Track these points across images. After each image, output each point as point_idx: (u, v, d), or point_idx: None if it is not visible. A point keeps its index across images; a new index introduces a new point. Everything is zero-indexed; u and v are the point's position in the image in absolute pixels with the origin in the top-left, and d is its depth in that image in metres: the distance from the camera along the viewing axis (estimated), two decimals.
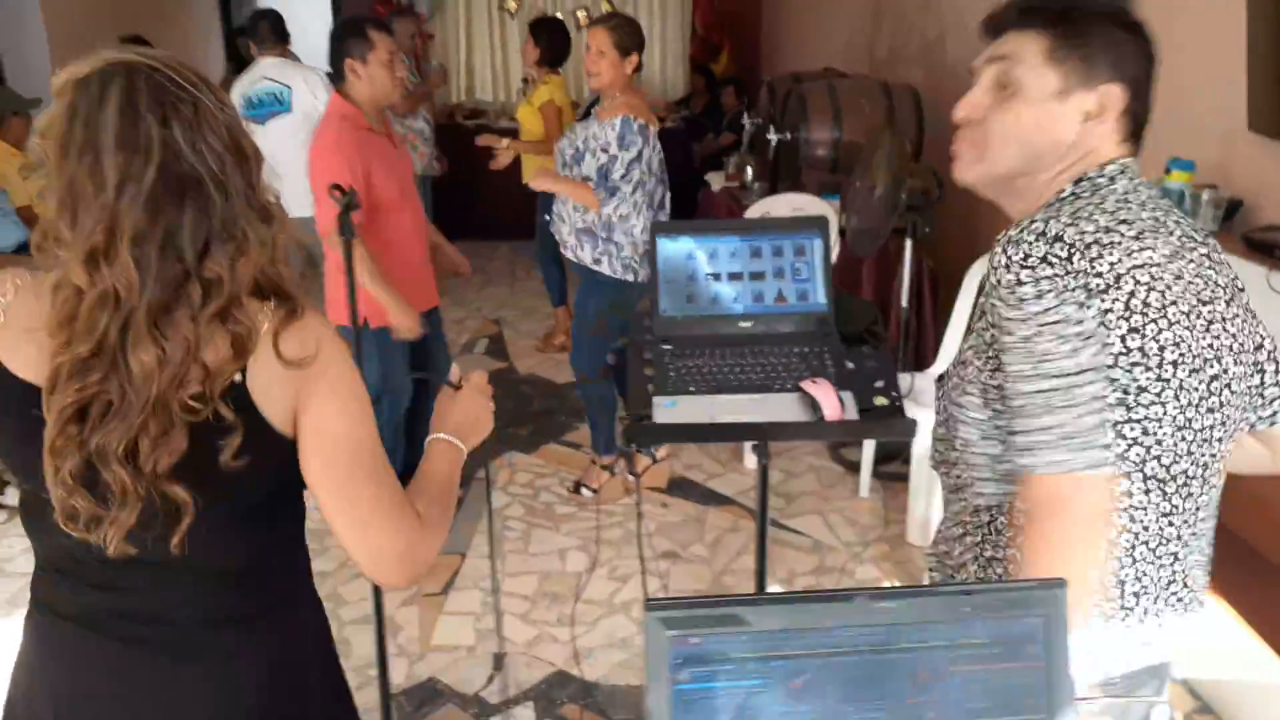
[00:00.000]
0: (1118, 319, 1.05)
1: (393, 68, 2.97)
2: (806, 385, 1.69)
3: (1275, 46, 2.65)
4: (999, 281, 1.11)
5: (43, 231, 1.03)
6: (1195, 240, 1.17)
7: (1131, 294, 1.06)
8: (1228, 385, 1.13)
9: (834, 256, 3.15)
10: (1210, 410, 1.11)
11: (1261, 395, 1.23)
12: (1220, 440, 1.15)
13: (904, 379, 1.72)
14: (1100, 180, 1.17)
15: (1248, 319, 1.20)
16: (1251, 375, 1.20)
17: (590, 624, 2.88)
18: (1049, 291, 1.06)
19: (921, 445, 3.01)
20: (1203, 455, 1.13)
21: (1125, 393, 1.05)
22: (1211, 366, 1.11)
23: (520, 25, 8.33)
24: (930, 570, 1.40)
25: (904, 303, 3.52)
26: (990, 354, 1.15)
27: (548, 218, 4.20)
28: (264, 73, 4.47)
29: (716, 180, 5.66)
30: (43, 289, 1.04)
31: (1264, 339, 1.24)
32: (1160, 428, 1.07)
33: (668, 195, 3.44)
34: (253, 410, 1.05)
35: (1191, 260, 1.13)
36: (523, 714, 2.53)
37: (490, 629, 2.87)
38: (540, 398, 4.63)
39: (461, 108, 7.78)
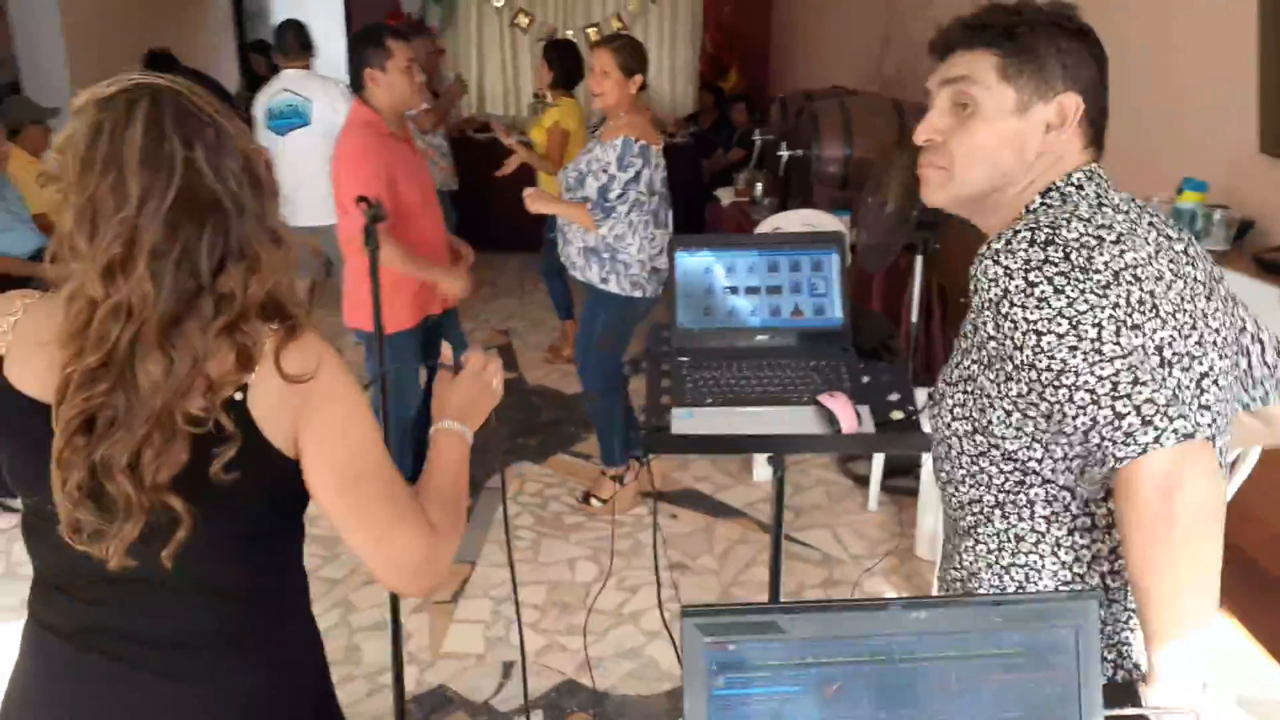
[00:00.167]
0: (1124, 314, 1.07)
1: (411, 74, 3.01)
2: (824, 399, 1.70)
3: None
4: (1006, 291, 1.10)
5: (58, 243, 1.05)
6: (1170, 238, 1.18)
7: (1128, 293, 1.08)
8: (1215, 381, 1.15)
9: None
10: (1204, 408, 1.13)
11: (1250, 376, 1.26)
12: (1214, 438, 1.15)
13: (918, 393, 1.73)
14: (1068, 189, 1.18)
15: (1228, 309, 1.22)
16: (1238, 362, 1.21)
17: (600, 634, 2.88)
18: (1065, 286, 1.06)
19: (931, 459, 3.02)
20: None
21: None
22: (1200, 364, 1.12)
23: (531, 40, 8.40)
24: (939, 583, 1.39)
25: (914, 317, 3.54)
26: (1001, 365, 1.14)
27: (552, 235, 4.23)
28: (285, 84, 4.51)
29: (726, 195, 5.69)
30: (54, 305, 1.06)
31: (1245, 321, 1.26)
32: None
33: (670, 213, 3.46)
34: (252, 427, 1.06)
35: (1171, 259, 1.15)
36: None
37: (500, 637, 2.88)
38: (549, 408, 4.65)
39: (473, 121, 7.83)
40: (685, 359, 1.87)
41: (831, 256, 1.94)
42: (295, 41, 4.58)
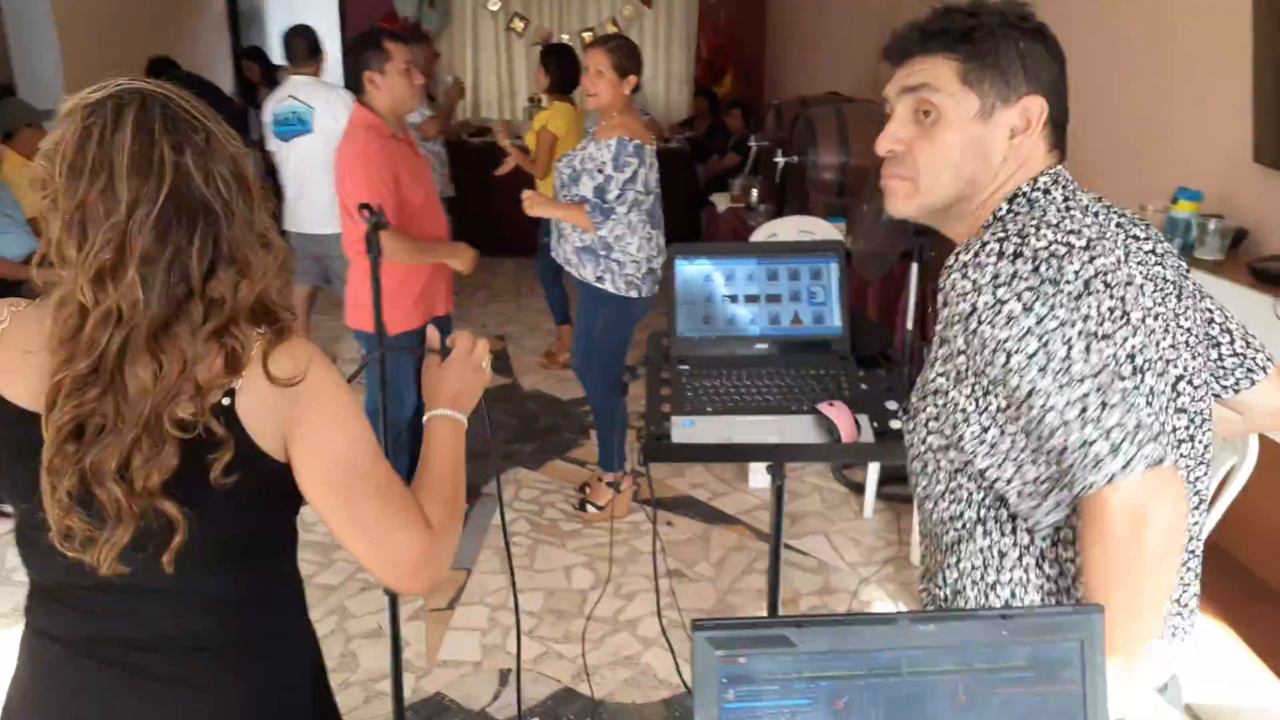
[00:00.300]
0: (1094, 325, 1.04)
1: (410, 77, 3.02)
2: (823, 407, 1.71)
3: None
4: (974, 307, 1.08)
5: (46, 249, 1.04)
6: (1138, 239, 1.16)
7: (1098, 302, 1.05)
8: (1189, 381, 1.14)
9: None
10: (1180, 410, 1.12)
11: (1222, 366, 1.25)
12: (1194, 437, 1.15)
13: None
14: (1035, 194, 1.16)
15: (1195, 304, 1.20)
16: (1208, 354, 1.20)
17: (596, 641, 2.88)
18: (1035, 302, 1.04)
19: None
20: (1180, 457, 1.14)
21: None
22: (1175, 367, 1.11)
23: (527, 45, 8.41)
24: (922, 598, 1.37)
25: (909, 325, 3.55)
26: (975, 379, 1.13)
27: (545, 240, 4.23)
28: (291, 91, 4.52)
29: (721, 201, 5.71)
30: (43, 312, 1.05)
31: (1212, 313, 1.25)
32: (1151, 418, 1.04)
33: (660, 214, 3.48)
34: (240, 432, 1.06)
35: (1140, 261, 1.13)
36: None
37: (496, 644, 2.87)
38: (545, 414, 4.65)
39: (468, 125, 7.83)
40: (685, 367, 1.87)
41: (831, 265, 1.95)
42: (304, 47, 4.58)
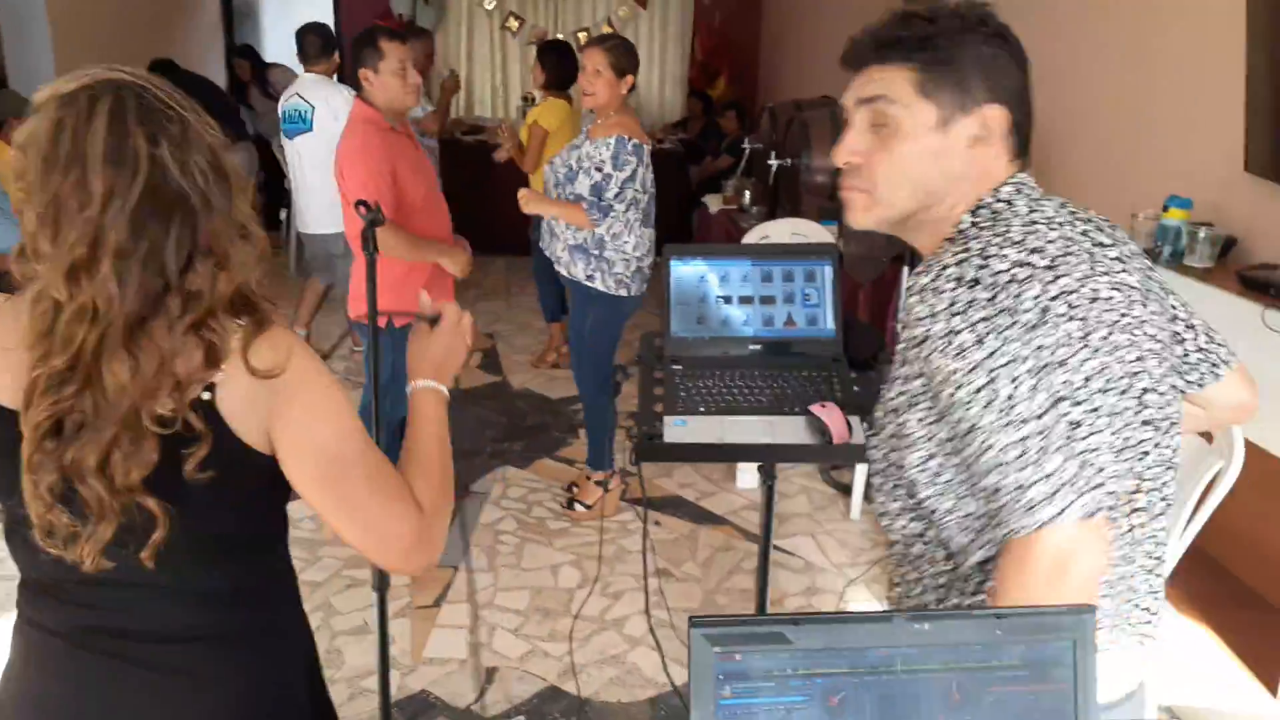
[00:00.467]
0: (1048, 354, 1.01)
1: (405, 75, 3.03)
2: (815, 409, 1.71)
3: (1272, 91, 2.72)
4: (929, 334, 1.06)
5: (22, 244, 1.03)
6: (1104, 245, 1.11)
7: (1055, 327, 1.01)
8: (1155, 390, 1.08)
9: None
10: (1146, 423, 1.07)
11: (1186, 362, 1.23)
12: (1160, 444, 1.11)
13: None
14: (999, 205, 1.12)
15: (1162, 307, 1.16)
16: (1173, 354, 1.16)
17: (582, 640, 2.88)
18: (988, 334, 1.01)
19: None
20: (1145, 469, 1.11)
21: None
22: (1141, 380, 1.06)
23: (521, 44, 8.41)
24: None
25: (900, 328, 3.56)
26: (929, 405, 1.10)
27: (535, 237, 4.22)
28: (298, 89, 4.53)
29: (714, 203, 5.72)
30: (19, 308, 1.04)
31: (1175, 310, 1.22)
32: (1100, 456, 1.01)
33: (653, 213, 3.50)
34: (221, 425, 1.05)
35: (1105, 271, 1.08)
36: None
37: (482, 642, 2.87)
38: (534, 412, 4.65)
39: (461, 123, 7.82)
40: (678, 367, 1.88)
41: (825, 268, 1.95)
42: (316, 45, 4.57)
